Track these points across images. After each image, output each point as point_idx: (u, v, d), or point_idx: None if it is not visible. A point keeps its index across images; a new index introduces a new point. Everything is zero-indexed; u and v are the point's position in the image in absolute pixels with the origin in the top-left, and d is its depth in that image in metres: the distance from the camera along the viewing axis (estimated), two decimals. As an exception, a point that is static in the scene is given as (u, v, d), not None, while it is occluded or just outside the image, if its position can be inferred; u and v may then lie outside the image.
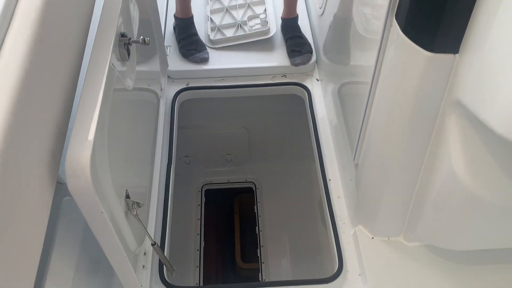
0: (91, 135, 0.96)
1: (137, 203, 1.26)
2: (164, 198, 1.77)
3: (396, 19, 1.23)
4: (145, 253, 1.59)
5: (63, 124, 1.00)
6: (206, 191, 2.74)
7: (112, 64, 1.19)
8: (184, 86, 2.19)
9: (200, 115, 2.43)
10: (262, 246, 2.51)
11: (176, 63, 2.23)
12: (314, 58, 2.25)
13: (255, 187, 2.74)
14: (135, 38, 1.41)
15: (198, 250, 2.50)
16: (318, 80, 2.23)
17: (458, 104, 1.21)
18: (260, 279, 2.42)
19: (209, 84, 2.20)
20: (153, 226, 1.64)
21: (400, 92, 1.28)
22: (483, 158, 1.25)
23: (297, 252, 2.46)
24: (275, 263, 2.44)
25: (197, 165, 2.71)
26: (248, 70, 2.22)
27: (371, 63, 1.36)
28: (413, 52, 1.18)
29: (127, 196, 1.26)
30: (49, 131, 0.97)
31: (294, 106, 2.32)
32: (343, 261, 1.63)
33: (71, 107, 1.07)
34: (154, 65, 2.03)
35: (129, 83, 1.36)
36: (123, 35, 1.31)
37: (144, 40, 1.34)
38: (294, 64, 2.21)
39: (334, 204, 1.79)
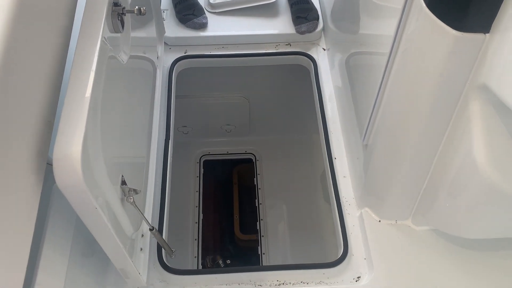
0: (81, 126, 0.85)
1: (134, 190, 1.17)
2: (162, 177, 1.69)
3: (420, -8, 1.10)
4: (142, 235, 1.52)
5: (49, 112, 0.90)
6: (205, 162, 2.66)
7: (105, 38, 1.07)
8: (182, 54, 2.06)
9: (199, 84, 2.31)
10: (261, 219, 2.46)
11: (173, 29, 2.09)
12: (320, 25, 2.11)
13: (255, 159, 2.66)
14: (129, 6, 1.28)
15: (196, 222, 2.44)
16: (324, 49, 2.10)
17: (484, 88, 1.11)
18: (259, 252, 2.38)
19: (208, 53, 2.06)
20: (151, 206, 1.56)
21: (421, 71, 1.18)
22: (506, 148, 1.16)
23: (297, 226, 2.41)
24: (275, 236, 2.40)
25: (195, 135, 2.61)
26: (250, 37, 2.09)
27: (388, 33, 1.24)
28: (439, 31, 1.07)
29: (123, 182, 1.17)
30: (35, 119, 0.87)
31: (299, 76, 2.20)
32: (348, 244, 1.57)
33: (59, 91, 0.96)
34: (150, 31, 1.89)
35: (123, 57, 1.24)
36: (116, 4, 1.18)
37: (139, 10, 1.21)
38: (299, 31, 2.08)
39: (340, 184, 1.71)
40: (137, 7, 1.21)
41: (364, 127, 1.52)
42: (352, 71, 1.76)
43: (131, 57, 1.37)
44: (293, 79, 2.28)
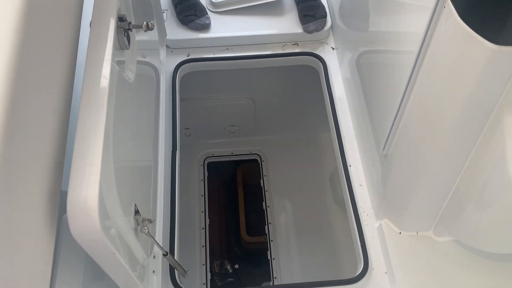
0: (96, 168, 0.77)
1: (148, 220, 1.10)
2: (170, 193, 1.61)
3: (451, 0, 1.02)
4: (154, 256, 1.45)
5: (59, 151, 0.81)
6: (209, 164, 2.58)
7: (113, 60, 0.98)
8: (184, 57, 1.96)
9: (202, 86, 2.22)
10: (270, 222, 2.40)
11: (174, 31, 1.98)
12: (329, 23, 2.02)
13: (261, 159, 2.58)
14: (134, 20, 1.18)
15: (203, 228, 2.38)
16: (333, 48, 2.01)
17: (521, 103, 1.04)
18: (268, 257, 2.32)
19: (212, 55, 1.97)
20: (161, 225, 1.49)
21: (452, 83, 1.10)
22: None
23: (307, 231, 2.35)
24: (284, 241, 2.34)
25: (199, 137, 2.52)
26: (256, 38, 1.99)
27: (408, 33, 1.17)
28: (473, 43, 0.99)
29: (137, 212, 1.10)
30: (44, 160, 0.78)
31: (307, 76, 2.11)
32: (368, 258, 1.51)
33: (67, 127, 0.87)
34: (152, 34, 1.79)
35: (130, 76, 1.15)
36: (121, 19, 1.08)
37: (147, 25, 1.11)
38: (307, 31, 1.99)
39: (356, 193, 1.65)
40: (144, 22, 1.11)
41: (384, 136, 1.45)
42: (363, 71, 1.67)
43: (137, 69, 1.28)
44: (300, 79, 2.20)
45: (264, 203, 2.46)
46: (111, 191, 0.87)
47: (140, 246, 1.14)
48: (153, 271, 1.42)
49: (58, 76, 0.92)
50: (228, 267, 2.42)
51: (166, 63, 1.93)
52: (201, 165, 2.56)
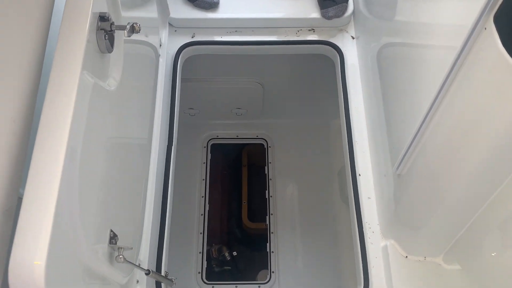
0: (47, 221, 0.65)
1: (123, 248, 0.99)
2: (162, 191, 1.50)
3: (495, 23, 0.85)
4: (139, 264, 1.35)
5: (8, 198, 0.69)
6: (212, 146, 2.45)
7: (86, 72, 0.84)
8: (189, 38, 1.79)
9: (209, 68, 2.06)
10: (272, 214, 2.29)
11: (179, 8, 1.80)
12: (350, 9, 1.81)
13: (267, 145, 2.45)
14: (120, 19, 1.02)
15: (202, 214, 2.29)
16: (353, 37, 1.82)
17: None
18: (267, 249, 2.24)
19: (219, 38, 1.80)
20: (149, 231, 1.39)
21: (487, 112, 0.94)
22: None
23: (310, 225, 2.24)
24: (285, 234, 2.24)
25: (203, 118, 2.39)
26: (268, 21, 1.80)
27: (455, 23, 0.99)
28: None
29: (112, 238, 0.99)
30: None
31: (322, 65, 1.93)
32: (369, 280, 1.40)
33: (22, 166, 0.74)
34: (151, 11, 1.62)
35: (112, 83, 1.00)
36: (103, 18, 0.93)
37: (133, 27, 0.95)
38: (325, 16, 1.79)
39: (363, 207, 1.51)
40: (129, 23, 0.95)
41: (399, 153, 1.30)
42: (385, 68, 1.49)
43: (127, 42, 1.12)
44: (315, 67, 2.02)
45: (267, 192, 2.35)
46: (70, 238, 0.75)
47: (117, 271, 1.04)
48: (137, 281, 1.33)
49: (17, 90, 0.78)
50: (226, 254, 2.35)
51: (168, 44, 1.77)
52: (204, 147, 2.43)
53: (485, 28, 0.87)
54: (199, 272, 2.17)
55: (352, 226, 1.52)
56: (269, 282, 2.16)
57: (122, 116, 1.10)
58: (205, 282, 2.14)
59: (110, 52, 0.97)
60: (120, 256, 0.98)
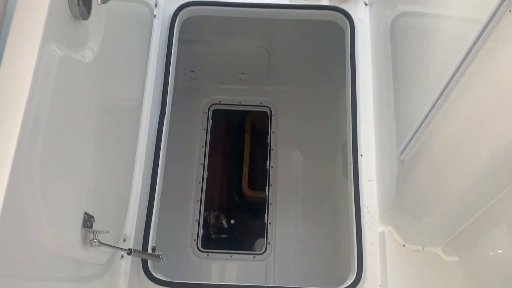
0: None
1: (98, 232, 0.93)
2: (153, 158, 1.42)
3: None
4: (125, 239, 1.31)
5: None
6: (214, 111, 2.37)
7: (50, 43, 0.75)
8: (188, -2, 1.67)
9: (211, 30, 1.94)
10: (271, 185, 2.23)
11: (179, -36, 1.67)
12: (365, -28, 1.66)
13: (271, 113, 2.35)
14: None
15: (200, 182, 2.23)
16: (366, 4, 1.67)
17: None
18: (265, 221, 2.20)
19: (221, -1, 1.67)
20: (137, 201, 1.33)
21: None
22: None
23: (310, 199, 2.18)
24: (283, 206, 2.19)
25: (205, 81, 2.29)
26: (275, -18, 1.66)
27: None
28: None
29: (86, 221, 0.93)
30: None
31: (332, 32, 1.80)
32: (363, 267, 1.34)
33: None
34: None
35: (88, 54, 0.91)
36: (76, -20, 0.82)
37: (107, -8, 0.85)
38: (337, -21, 1.64)
39: (363, 189, 1.44)
40: (104, -13, 0.84)
41: (404, 138, 1.21)
42: (398, 40, 1.37)
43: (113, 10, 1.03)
44: (324, 33, 1.89)
45: (268, 162, 2.28)
46: (28, 223, 0.69)
47: (94, 253, 0.99)
48: (122, 256, 1.29)
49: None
50: (224, 222, 2.31)
51: (165, 3, 1.64)
52: (206, 112, 2.35)
53: (511, 11, 0.76)
54: (194, 240, 2.14)
55: (349, 209, 1.45)
56: (265, 253, 2.13)
57: (103, 87, 1.01)
58: (200, 250, 2.12)
59: (86, 19, 0.87)
60: (95, 240, 0.92)
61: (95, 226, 0.96)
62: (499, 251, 1.13)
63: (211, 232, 2.32)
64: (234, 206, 2.48)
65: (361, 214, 1.41)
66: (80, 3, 0.83)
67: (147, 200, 1.36)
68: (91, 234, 0.93)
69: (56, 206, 0.80)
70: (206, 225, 2.27)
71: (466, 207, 1.13)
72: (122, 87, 1.21)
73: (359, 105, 1.52)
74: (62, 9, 0.80)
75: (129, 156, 1.30)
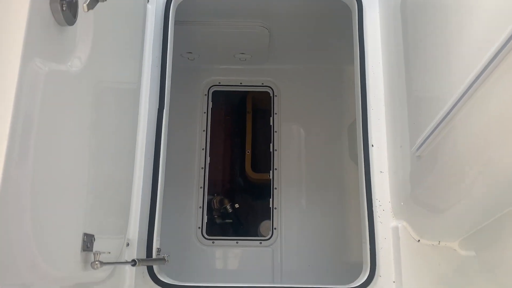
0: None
1: (100, 252, 0.87)
2: (154, 156, 1.35)
3: None
4: (128, 244, 1.26)
5: None
6: (214, 93, 2.27)
7: (33, 60, 0.66)
8: (183, -22, 1.55)
9: (208, 12, 1.83)
10: (276, 168, 2.17)
11: None
12: None
13: (273, 93, 2.26)
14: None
15: (202, 168, 2.17)
16: (375, -19, 1.56)
17: None
18: (270, 205, 2.15)
19: (219, -22, 1.55)
20: (139, 205, 1.27)
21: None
22: None
23: (316, 183, 2.12)
24: (289, 191, 2.13)
25: (203, 62, 2.19)
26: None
27: None
28: None
29: (86, 242, 0.87)
30: None
31: (337, 10, 1.69)
32: (376, 263, 1.30)
33: None
34: None
35: (77, 64, 0.82)
36: (58, -18, 0.73)
37: (96, -7, 0.75)
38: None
39: (374, 181, 1.37)
40: (91, -11, 0.74)
41: (420, 133, 1.13)
42: (412, 20, 1.27)
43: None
44: (327, 9, 1.77)
45: (272, 145, 2.21)
46: (17, 260, 0.63)
47: (94, 273, 0.94)
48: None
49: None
50: (228, 207, 2.27)
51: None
52: (205, 94, 2.25)
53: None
54: (199, 227, 2.10)
55: (361, 202, 1.39)
56: (271, 238, 2.09)
57: (95, 93, 0.93)
58: (205, 237, 2.08)
59: (72, 25, 0.78)
60: (96, 262, 0.86)
61: (95, 245, 0.90)
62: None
63: (215, 216, 2.27)
64: (238, 189, 2.43)
65: (373, 208, 1.35)
66: (64, 8, 0.74)
67: (149, 200, 1.29)
68: (92, 256, 0.87)
69: (50, 235, 0.74)
70: (210, 209, 2.22)
71: (490, 206, 1.07)
72: (116, 88, 1.12)
73: (368, 92, 1.44)
74: (44, 17, 0.71)
75: (128, 157, 1.23)
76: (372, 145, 1.41)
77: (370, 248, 1.32)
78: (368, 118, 1.42)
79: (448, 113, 0.98)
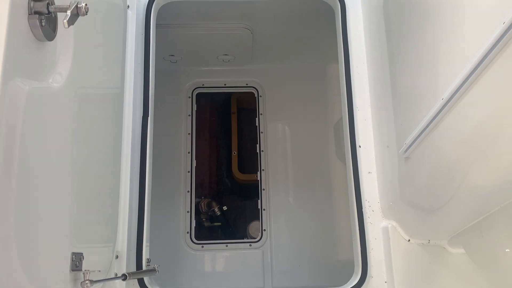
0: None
1: (90, 271, 0.85)
2: (139, 167, 1.33)
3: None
4: (117, 256, 1.23)
5: None
6: (198, 95, 2.25)
7: (18, 80, 0.64)
8: (163, -17, 1.52)
9: (189, 14, 1.80)
10: (263, 169, 2.16)
11: None
12: None
13: (258, 94, 2.25)
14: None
15: (189, 171, 2.15)
16: (357, -19, 1.55)
17: None
18: (259, 207, 2.14)
19: (199, -19, 1.52)
20: (126, 218, 1.25)
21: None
22: None
23: (304, 182, 2.12)
24: (277, 192, 2.13)
25: (186, 64, 2.16)
26: (257, -40, 1.53)
27: None
28: None
29: (75, 261, 0.84)
30: None
31: (320, 10, 1.68)
32: (368, 264, 1.30)
33: None
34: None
35: (58, 79, 0.79)
36: (35, -3, 0.70)
37: (77, 8, 0.72)
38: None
39: (363, 182, 1.37)
40: (73, 3, 0.71)
41: (408, 134, 1.13)
42: (396, 18, 1.26)
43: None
44: (310, 10, 1.76)
45: (258, 146, 2.20)
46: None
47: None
48: (115, 274, 1.21)
49: None
50: (216, 209, 2.25)
51: (139, -9, 1.49)
52: (189, 97, 2.23)
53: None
54: (187, 232, 2.08)
55: (350, 204, 1.39)
56: (261, 240, 2.09)
57: (77, 106, 0.90)
58: (194, 242, 2.06)
59: (51, 40, 0.75)
60: (86, 281, 0.84)
61: (85, 264, 0.88)
62: (507, 250, 1.09)
63: (203, 219, 2.26)
64: (226, 191, 2.41)
65: (363, 209, 1.35)
66: (43, 24, 0.71)
67: (137, 211, 1.27)
68: (82, 275, 0.85)
69: (37, 257, 0.72)
70: (197, 213, 2.20)
71: (478, 205, 1.07)
72: (99, 98, 1.10)
73: (354, 93, 1.43)
74: (22, 33, 0.68)
75: (114, 167, 1.21)
76: (360, 146, 1.41)
77: (361, 249, 1.32)
78: (355, 119, 1.42)
79: (435, 116, 0.98)
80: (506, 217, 1.03)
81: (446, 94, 0.93)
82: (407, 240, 1.30)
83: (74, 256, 0.84)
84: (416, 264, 1.29)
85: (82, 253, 0.87)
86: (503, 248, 1.10)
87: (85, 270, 0.85)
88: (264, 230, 2.09)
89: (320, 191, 2.07)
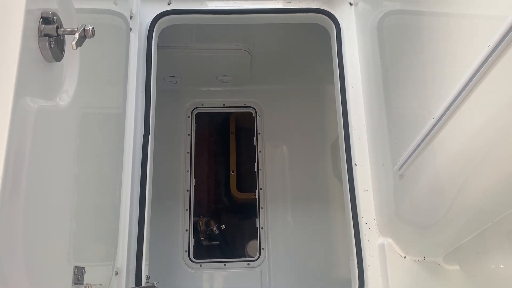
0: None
1: (91, 285, 0.87)
2: (140, 184, 1.35)
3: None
4: (117, 273, 1.25)
5: None
6: (197, 115, 2.29)
7: (29, 99, 0.67)
8: (164, 6, 1.57)
9: (189, 37, 1.86)
10: (261, 188, 2.19)
11: (152, -29, 1.57)
12: (349, -30, 1.59)
13: (256, 113, 2.29)
14: (73, 21, 0.82)
15: (188, 190, 2.17)
16: (351, 4, 1.61)
17: None
18: (257, 225, 2.16)
19: (200, 6, 1.58)
20: (126, 234, 1.27)
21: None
22: None
23: (302, 201, 2.15)
24: (275, 210, 2.15)
25: (186, 85, 2.21)
26: (255, -15, 1.58)
27: None
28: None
29: (77, 275, 0.86)
30: None
31: (316, 32, 1.73)
32: (365, 281, 1.32)
33: None
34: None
35: (65, 98, 0.83)
36: (47, 21, 0.74)
37: (84, 31, 0.76)
38: (320, -20, 1.57)
39: (359, 200, 1.40)
40: (80, 26, 0.76)
41: (402, 152, 1.16)
42: (389, 42, 1.31)
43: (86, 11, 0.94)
44: (308, 35, 1.82)
45: (256, 164, 2.23)
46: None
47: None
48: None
49: None
50: (214, 228, 2.26)
51: (141, 13, 1.54)
52: (189, 116, 2.27)
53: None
54: (186, 251, 2.09)
55: (347, 221, 1.41)
56: (259, 259, 2.10)
57: (82, 126, 0.94)
58: (192, 261, 2.07)
59: (59, 61, 0.79)
60: (88, 295, 0.86)
61: (86, 277, 0.90)
62: (501, 266, 1.11)
63: (202, 238, 2.27)
64: (224, 210, 2.43)
65: (359, 225, 1.38)
66: (52, 46, 0.75)
67: (137, 228, 1.29)
68: (83, 288, 0.87)
69: (42, 270, 0.74)
70: (196, 231, 2.22)
71: (472, 221, 1.10)
72: (102, 118, 1.13)
73: (349, 112, 1.47)
74: (33, 55, 0.72)
75: (115, 185, 1.23)
76: (356, 164, 1.44)
77: (357, 266, 1.34)
78: (351, 138, 1.45)
79: (427, 134, 1.02)
80: (498, 233, 1.06)
81: (437, 113, 0.96)
82: (403, 257, 1.32)
83: (76, 270, 0.86)
84: (412, 280, 1.31)
85: (84, 267, 0.89)
86: (497, 264, 1.12)
87: (86, 284, 0.87)
88: (262, 248, 2.11)
89: (318, 210, 2.09)
